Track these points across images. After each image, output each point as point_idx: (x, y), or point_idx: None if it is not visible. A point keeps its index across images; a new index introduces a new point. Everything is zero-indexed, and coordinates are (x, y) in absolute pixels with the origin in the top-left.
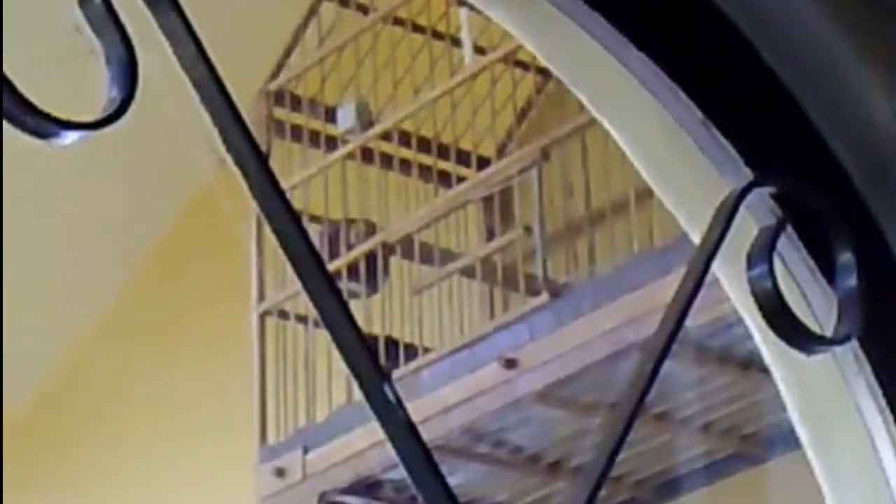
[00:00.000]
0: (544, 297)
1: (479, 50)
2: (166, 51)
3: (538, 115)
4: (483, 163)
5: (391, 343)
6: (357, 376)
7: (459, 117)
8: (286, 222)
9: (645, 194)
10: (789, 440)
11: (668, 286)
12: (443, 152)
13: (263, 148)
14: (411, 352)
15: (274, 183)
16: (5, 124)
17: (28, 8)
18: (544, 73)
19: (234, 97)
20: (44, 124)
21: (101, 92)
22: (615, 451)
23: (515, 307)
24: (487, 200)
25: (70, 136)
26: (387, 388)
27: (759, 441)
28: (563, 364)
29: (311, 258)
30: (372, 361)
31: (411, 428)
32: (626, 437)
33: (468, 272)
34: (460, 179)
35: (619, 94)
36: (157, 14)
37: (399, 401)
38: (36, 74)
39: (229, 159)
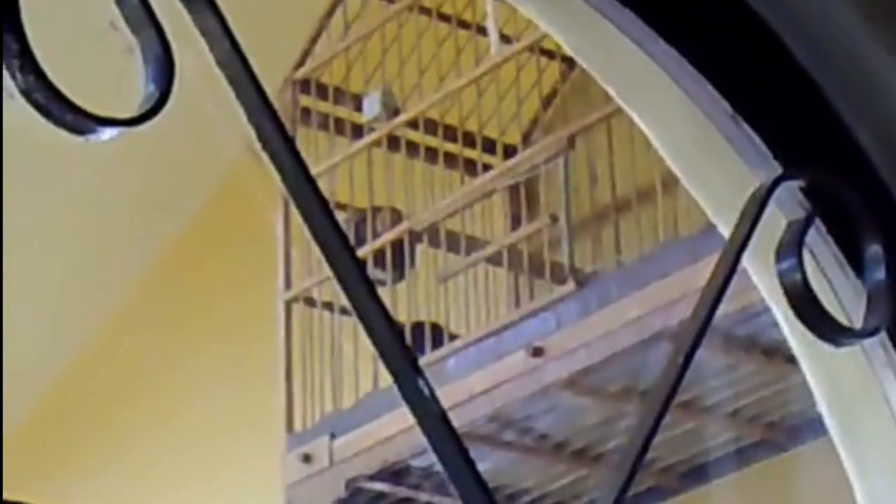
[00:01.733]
0: (570, 285)
1: (504, 38)
2: (194, 40)
3: (563, 104)
4: (509, 151)
5: (417, 330)
6: (390, 367)
7: (485, 105)
8: (319, 216)
9: (671, 182)
10: (816, 427)
11: (695, 274)
12: (468, 140)
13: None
14: (438, 339)
15: (308, 177)
16: (40, 118)
17: (65, 5)
18: (570, 61)
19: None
20: (82, 121)
21: (135, 87)
22: (647, 441)
23: (542, 295)
24: (513, 188)
25: (107, 133)
26: (420, 382)
27: (786, 428)
28: (590, 352)
29: (342, 248)
30: (404, 353)
31: (445, 420)
32: (657, 429)
33: (494, 260)
34: (486, 167)
35: (648, 87)
36: (192, 12)
37: (432, 393)
38: (71, 71)
39: (264, 155)
